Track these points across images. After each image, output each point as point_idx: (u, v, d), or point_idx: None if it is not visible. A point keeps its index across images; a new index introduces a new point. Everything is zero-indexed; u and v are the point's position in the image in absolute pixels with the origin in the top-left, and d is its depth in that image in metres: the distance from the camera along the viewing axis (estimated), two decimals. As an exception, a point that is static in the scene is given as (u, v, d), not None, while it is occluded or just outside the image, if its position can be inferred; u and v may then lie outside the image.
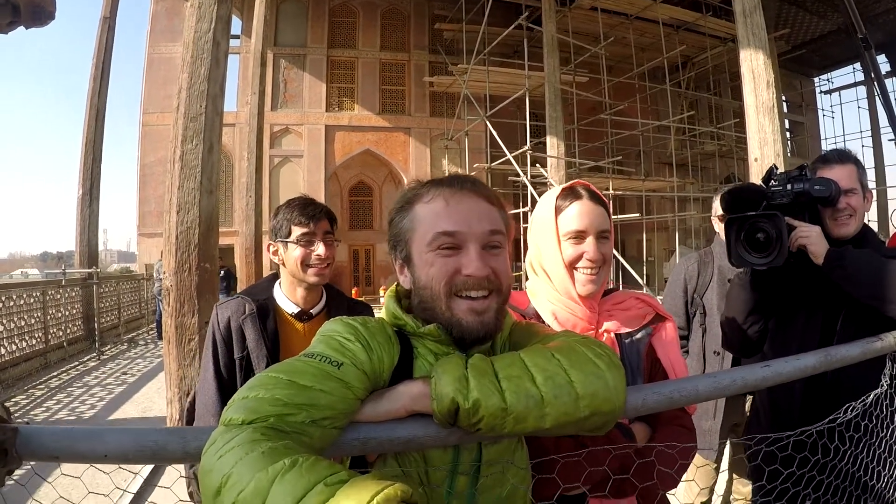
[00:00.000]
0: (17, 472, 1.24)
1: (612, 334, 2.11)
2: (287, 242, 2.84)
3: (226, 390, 2.77)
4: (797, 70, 34.79)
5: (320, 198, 26.55)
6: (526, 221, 21.28)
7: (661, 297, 4.44)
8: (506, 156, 22.35)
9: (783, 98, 32.12)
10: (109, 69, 18.55)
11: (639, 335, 2.13)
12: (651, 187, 25.55)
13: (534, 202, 20.79)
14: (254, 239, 18.79)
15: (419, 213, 1.51)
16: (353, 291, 26.27)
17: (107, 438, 1.22)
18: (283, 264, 2.88)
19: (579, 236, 2.06)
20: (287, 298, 2.92)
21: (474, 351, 1.46)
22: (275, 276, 3.06)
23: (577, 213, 2.07)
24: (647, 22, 24.98)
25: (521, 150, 21.73)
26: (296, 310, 2.90)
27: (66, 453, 1.22)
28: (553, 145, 20.19)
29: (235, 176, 25.17)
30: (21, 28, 6.73)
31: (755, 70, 10.37)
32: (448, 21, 27.46)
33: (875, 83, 12.38)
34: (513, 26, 22.47)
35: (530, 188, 21.18)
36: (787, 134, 34.18)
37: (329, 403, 1.22)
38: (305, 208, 2.86)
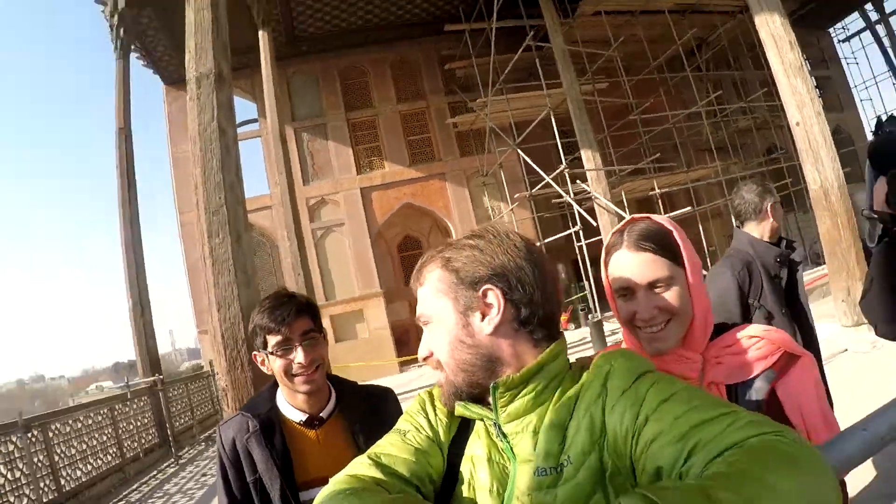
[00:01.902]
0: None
1: (722, 387, 1.73)
2: (266, 353, 2.45)
3: None
4: (812, 25, 34.27)
5: (368, 262, 27.12)
6: (580, 240, 21.06)
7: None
8: (544, 179, 22.14)
9: (804, 57, 31.54)
10: (134, 176, 18.86)
11: (758, 383, 1.71)
12: (695, 177, 25.10)
13: (583, 220, 20.59)
14: (310, 317, 18.68)
15: None
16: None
17: None
18: (272, 373, 2.51)
19: (627, 291, 1.74)
20: (291, 406, 2.55)
21: (517, 377, 1.31)
22: (276, 384, 2.63)
23: (619, 267, 1.76)
24: (653, 14, 24.67)
25: (557, 171, 21.57)
26: (303, 417, 2.52)
27: None
28: (588, 158, 20.01)
29: (282, 257, 25.21)
30: None
31: (775, 33, 10.09)
32: (457, 59, 27.38)
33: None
34: (521, 49, 22.39)
35: (575, 206, 20.94)
36: (816, 91, 33.63)
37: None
38: (274, 312, 2.43)
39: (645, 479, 1.09)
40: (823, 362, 4.01)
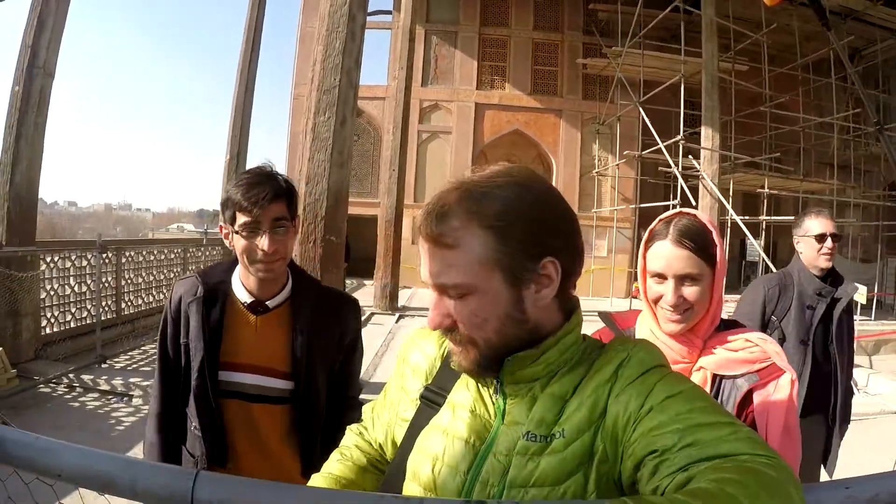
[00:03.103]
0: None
1: (708, 373, 1.96)
2: (231, 229, 2.32)
3: (170, 374, 2.50)
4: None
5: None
6: (673, 214, 20.69)
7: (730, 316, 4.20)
8: (657, 144, 21.76)
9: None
10: (260, 42, 19.17)
11: (740, 381, 1.94)
12: (809, 188, 24.03)
13: (684, 196, 20.27)
14: (394, 212, 19.17)
15: None
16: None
17: (64, 457, 1.15)
18: (234, 249, 2.38)
19: (661, 277, 2.00)
20: (242, 285, 2.45)
21: (533, 352, 1.29)
22: (237, 259, 2.48)
23: (657, 255, 2.01)
24: (812, 8, 23.31)
25: (673, 140, 21.06)
26: (249, 300, 2.43)
27: (24, 465, 1.18)
28: (708, 136, 19.54)
29: (383, 149, 25.47)
30: None
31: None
32: (603, 1, 26.58)
33: None
34: (669, 8, 21.73)
35: (681, 180, 20.55)
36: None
37: None
38: (250, 190, 2.25)
39: (629, 465, 1.12)
40: (862, 417, 4.11)
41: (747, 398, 1.92)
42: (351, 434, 1.76)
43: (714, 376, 1.96)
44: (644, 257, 2.04)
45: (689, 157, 20.69)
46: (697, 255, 1.94)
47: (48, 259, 11.03)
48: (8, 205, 10.35)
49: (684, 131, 20.82)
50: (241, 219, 2.26)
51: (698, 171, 19.75)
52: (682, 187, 20.53)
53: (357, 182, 26.42)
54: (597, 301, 23.23)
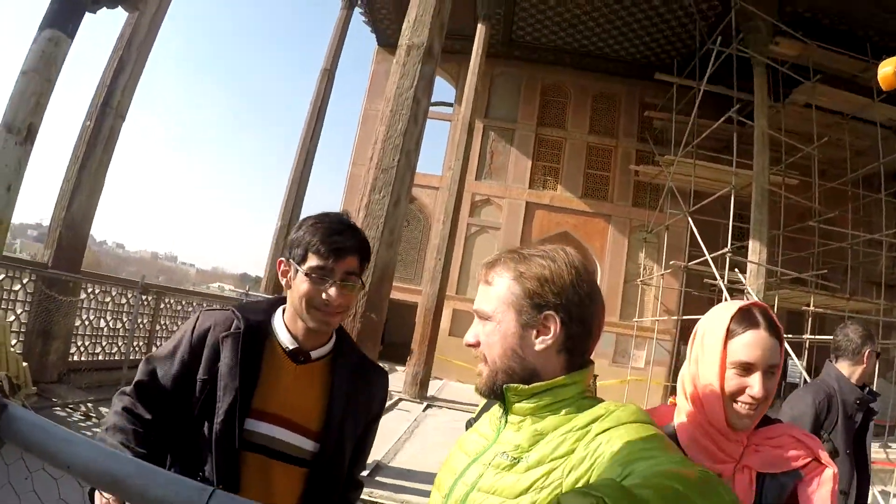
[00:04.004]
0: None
1: (753, 472, 1.88)
2: (298, 269, 2.17)
3: (149, 398, 2.16)
4: None
5: None
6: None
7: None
8: (704, 256, 21.41)
9: None
10: (324, 117, 19.68)
11: (784, 479, 1.87)
12: (855, 308, 23.00)
13: (728, 311, 19.85)
14: (436, 301, 19.14)
15: None
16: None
17: (80, 451, 1.15)
18: (290, 289, 2.24)
19: (747, 369, 1.88)
20: (287, 330, 2.25)
21: (528, 388, 1.58)
22: (280, 300, 2.36)
23: (750, 344, 1.89)
24: (863, 123, 23.20)
25: (720, 252, 20.68)
26: (292, 346, 2.22)
27: (37, 449, 1.17)
28: (755, 250, 19.38)
29: (431, 237, 25.61)
30: (105, 9, 7.16)
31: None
32: (658, 109, 26.96)
33: None
34: (723, 119, 21.81)
35: (725, 294, 20.13)
36: None
37: None
38: (331, 235, 2.15)
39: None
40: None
41: (793, 497, 1.85)
42: None
43: (758, 475, 1.87)
44: (724, 348, 1.92)
45: (735, 270, 20.50)
46: (780, 345, 1.91)
47: (90, 289, 11.34)
48: (61, 230, 10.71)
49: (732, 244, 20.55)
50: (313, 261, 2.13)
51: (743, 285, 19.55)
52: (725, 300, 20.01)
53: (401, 267, 26.47)
54: (631, 412, 22.88)
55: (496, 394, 1.61)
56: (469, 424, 1.86)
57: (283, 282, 2.24)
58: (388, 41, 28.02)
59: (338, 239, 2.15)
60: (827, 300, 22.40)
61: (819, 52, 21.49)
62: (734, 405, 1.88)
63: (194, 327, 2.22)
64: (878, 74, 4.16)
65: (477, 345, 1.65)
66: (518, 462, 1.48)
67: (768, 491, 1.84)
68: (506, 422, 1.62)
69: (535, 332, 1.57)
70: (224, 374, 2.12)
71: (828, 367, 4.11)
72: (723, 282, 20.14)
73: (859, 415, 4.00)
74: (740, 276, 19.88)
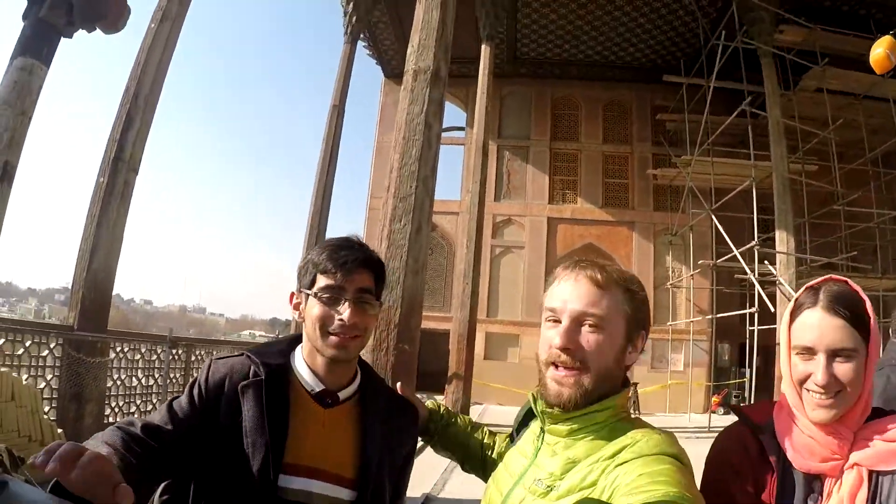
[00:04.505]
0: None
1: (864, 471, 1.62)
2: (308, 294, 1.94)
3: (153, 440, 1.72)
4: None
5: (538, 290, 26.86)
6: (753, 324, 20.08)
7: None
8: (732, 252, 21.36)
9: None
10: (338, 152, 19.78)
11: None
12: (889, 286, 22.97)
13: (762, 303, 19.76)
14: (468, 326, 19.03)
15: (547, 291, 1.72)
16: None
17: None
18: (303, 321, 1.99)
19: (809, 352, 1.68)
20: (309, 369, 1.98)
21: (556, 421, 1.63)
22: (297, 338, 2.10)
23: (806, 325, 1.70)
24: (876, 101, 22.94)
25: (747, 246, 20.67)
26: (318, 388, 1.96)
27: None
28: (782, 240, 19.28)
29: (456, 263, 25.58)
30: (83, 32, 6.98)
31: None
32: (669, 111, 27.04)
33: None
34: (735, 113, 21.88)
35: (757, 287, 19.98)
36: None
37: None
38: (338, 252, 1.95)
39: None
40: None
41: None
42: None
43: (871, 473, 1.62)
44: (789, 331, 1.75)
45: (765, 262, 20.37)
46: (852, 325, 1.65)
47: (118, 348, 11.21)
48: (83, 291, 10.58)
49: (758, 237, 20.52)
50: (322, 281, 1.91)
51: (775, 276, 19.45)
52: (758, 294, 19.98)
53: (429, 295, 26.34)
54: (674, 417, 22.68)
55: (589, 402, 1.57)
56: (511, 438, 1.94)
57: (296, 315, 2.03)
58: (393, 72, 28.44)
59: (346, 253, 1.93)
60: (860, 282, 21.69)
61: (824, 35, 21.53)
62: (805, 394, 1.69)
63: (207, 377, 1.93)
64: (870, 58, 4.03)
65: (576, 350, 1.57)
66: (551, 490, 1.52)
67: (884, 491, 1.59)
68: (542, 440, 1.67)
69: (630, 346, 1.62)
70: (251, 429, 1.82)
71: (891, 346, 3.90)
72: (753, 276, 20.11)
73: None
74: (770, 267, 19.87)
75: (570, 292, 1.59)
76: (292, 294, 2.04)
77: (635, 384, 17.94)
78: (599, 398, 1.57)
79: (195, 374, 9.23)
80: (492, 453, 2.12)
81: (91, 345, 10.30)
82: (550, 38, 26.76)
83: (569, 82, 29.38)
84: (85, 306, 10.55)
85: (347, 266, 1.91)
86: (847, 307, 1.66)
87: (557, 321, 1.60)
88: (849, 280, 1.76)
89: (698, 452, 1.83)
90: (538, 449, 1.66)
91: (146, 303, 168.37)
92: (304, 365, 1.98)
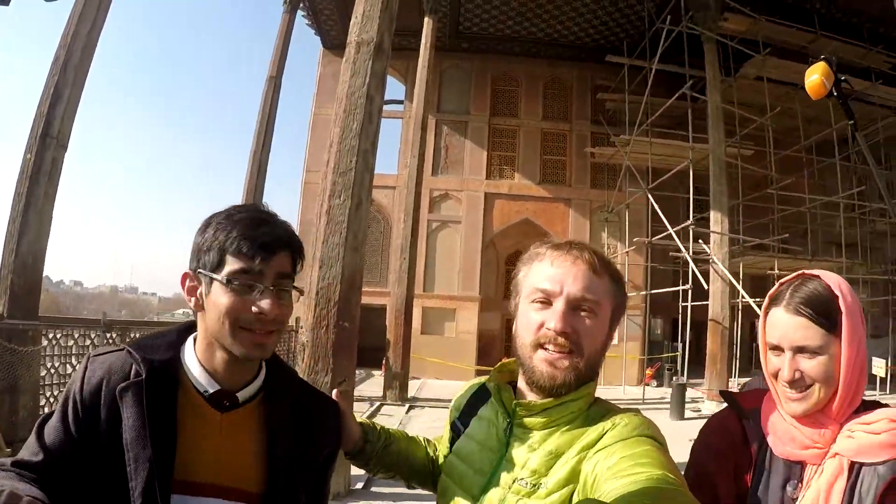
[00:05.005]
0: None
1: (845, 461, 1.63)
2: (213, 279, 1.54)
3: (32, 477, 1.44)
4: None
5: (474, 265, 27.51)
6: (686, 300, 20.81)
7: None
8: (667, 230, 21.85)
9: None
10: (273, 126, 19.46)
11: (882, 469, 1.58)
12: (817, 268, 23.67)
13: (695, 279, 20.44)
14: (405, 301, 19.09)
15: (530, 270, 1.67)
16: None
17: None
18: (202, 311, 1.60)
19: (777, 349, 1.73)
20: (202, 366, 1.62)
21: (539, 403, 1.57)
22: (189, 328, 1.73)
23: (771, 323, 1.76)
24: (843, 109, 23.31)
25: (683, 225, 21.22)
26: (212, 389, 1.60)
27: None
28: (717, 221, 19.72)
29: (392, 237, 25.52)
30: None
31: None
32: (611, 91, 27.26)
33: None
34: (676, 96, 22.25)
35: (692, 265, 20.61)
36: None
37: None
38: (255, 228, 1.54)
39: None
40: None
41: (892, 487, 1.57)
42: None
43: (852, 464, 1.63)
44: (763, 327, 1.80)
45: (700, 241, 20.95)
46: (817, 323, 1.67)
47: (50, 335, 10.70)
48: (12, 277, 10.08)
49: (693, 216, 21.04)
50: (234, 265, 1.52)
51: (708, 255, 20.00)
52: (692, 272, 20.63)
53: (366, 271, 26.28)
54: (608, 389, 22.96)
55: (579, 386, 1.58)
56: (454, 427, 1.85)
57: (191, 302, 1.61)
58: (333, 43, 27.98)
59: (265, 231, 1.55)
60: (790, 263, 23.05)
61: (768, 25, 21.91)
62: (779, 387, 1.74)
63: (83, 384, 1.57)
64: (805, 84, 4.05)
65: (573, 334, 1.55)
66: (538, 488, 1.48)
67: (864, 483, 1.60)
68: (511, 434, 1.61)
69: (609, 333, 1.64)
70: (131, 441, 1.49)
71: None
72: (688, 253, 20.70)
73: None
74: (704, 246, 20.46)
75: (567, 275, 1.58)
76: (185, 275, 1.64)
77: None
78: (584, 383, 1.58)
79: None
80: (438, 463, 1.95)
81: (22, 333, 9.79)
82: (494, 14, 26.58)
83: (510, 59, 29.36)
84: (14, 292, 10.03)
85: (268, 248, 1.54)
86: (811, 305, 1.69)
87: (547, 303, 1.57)
88: (822, 274, 1.80)
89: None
90: (506, 443, 1.61)
91: (76, 284, 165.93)
92: (195, 361, 1.64)
